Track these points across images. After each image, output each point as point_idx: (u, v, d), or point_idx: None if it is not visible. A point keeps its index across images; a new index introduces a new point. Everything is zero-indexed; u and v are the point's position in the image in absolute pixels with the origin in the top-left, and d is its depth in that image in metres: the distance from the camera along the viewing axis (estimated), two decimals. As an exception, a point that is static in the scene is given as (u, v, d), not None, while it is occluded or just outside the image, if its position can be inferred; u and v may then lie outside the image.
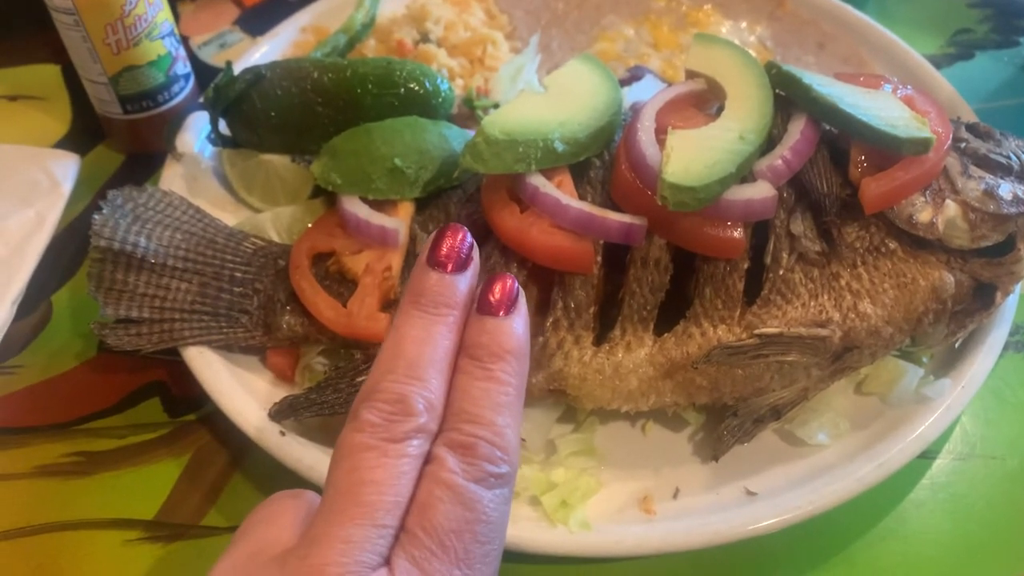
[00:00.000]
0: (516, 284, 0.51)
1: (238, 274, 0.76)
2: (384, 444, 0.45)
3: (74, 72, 0.93)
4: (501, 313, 0.50)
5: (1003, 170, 0.70)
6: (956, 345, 0.74)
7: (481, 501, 0.45)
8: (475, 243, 0.52)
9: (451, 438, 0.46)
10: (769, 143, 0.70)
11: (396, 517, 0.44)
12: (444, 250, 0.51)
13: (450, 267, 0.51)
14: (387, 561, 0.43)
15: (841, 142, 0.70)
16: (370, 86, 0.82)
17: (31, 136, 1.01)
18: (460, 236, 0.52)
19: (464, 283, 0.51)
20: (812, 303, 0.67)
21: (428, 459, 0.46)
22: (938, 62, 1.04)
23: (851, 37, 1.04)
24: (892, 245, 0.68)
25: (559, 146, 0.69)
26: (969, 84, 1.00)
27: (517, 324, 0.50)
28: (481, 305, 0.50)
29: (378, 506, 0.43)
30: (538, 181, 0.69)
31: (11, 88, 1.08)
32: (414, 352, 0.48)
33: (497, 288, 0.51)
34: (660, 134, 0.69)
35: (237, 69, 0.85)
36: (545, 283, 0.70)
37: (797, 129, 0.70)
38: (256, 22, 1.14)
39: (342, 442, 0.46)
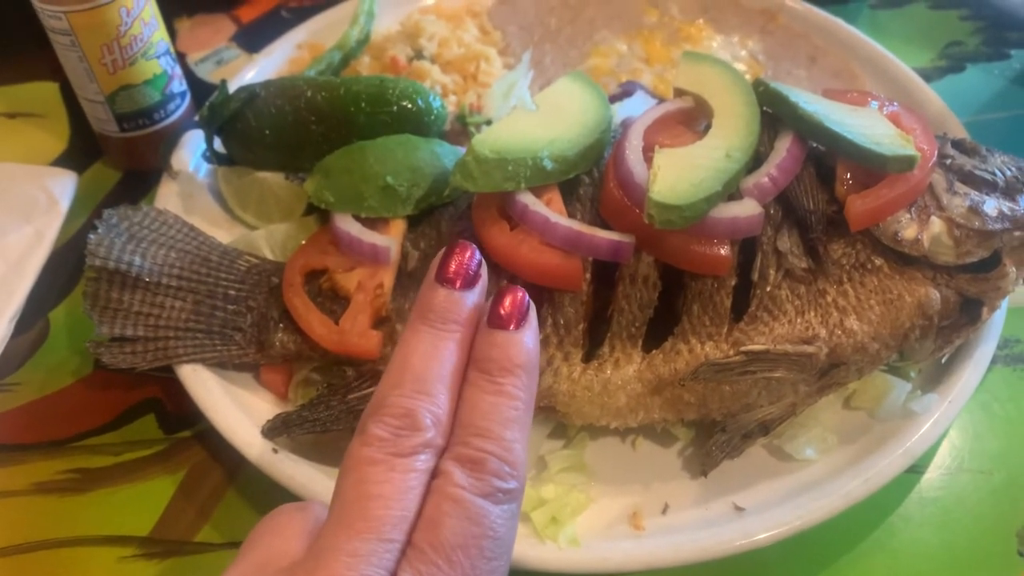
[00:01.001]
0: (527, 297, 0.51)
1: (232, 292, 0.76)
2: (391, 458, 0.45)
3: (72, 90, 0.94)
4: (511, 326, 0.50)
5: (988, 186, 0.71)
6: (943, 360, 0.75)
7: (489, 516, 0.45)
8: (483, 260, 0.53)
9: (459, 452, 0.46)
10: (756, 160, 0.70)
11: (403, 531, 0.44)
12: (453, 268, 0.51)
13: (459, 284, 0.51)
14: None
15: (827, 159, 0.71)
16: (363, 104, 0.83)
17: (30, 153, 1.02)
18: (469, 254, 0.52)
19: (472, 299, 0.51)
20: (799, 320, 0.68)
21: (436, 473, 0.46)
22: (929, 75, 1.05)
23: (842, 51, 1.04)
24: (878, 262, 0.69)
25: (548, 164, 0.70)
26: (960, 97, 1.01)
27: (527, 338, 0.50)
28: (491, 318, 0.50)
29: (385, 520, 0.43)
30: (527, 199, 0.69)
31: (10, 105, 1.09)
32: (422, 367, 0.48)
33: (508, 301, 0.51)
34: (648, 152, 0.70)
35: (232, 87, 0.86)
36: (534, 300, 0.70)
37: (783, 147, 0.70)
38: (252, 38, 1.15)
39: (350, 455, 0.46)
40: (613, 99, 0.91)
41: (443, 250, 0.52)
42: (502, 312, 0.50)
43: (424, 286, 0.52)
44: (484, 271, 0.53)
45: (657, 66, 1.03)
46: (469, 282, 0.51)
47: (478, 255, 0.52)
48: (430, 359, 0.49)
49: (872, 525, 0.71)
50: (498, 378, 0.48)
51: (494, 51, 1.04)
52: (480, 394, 0.48)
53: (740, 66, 1.03)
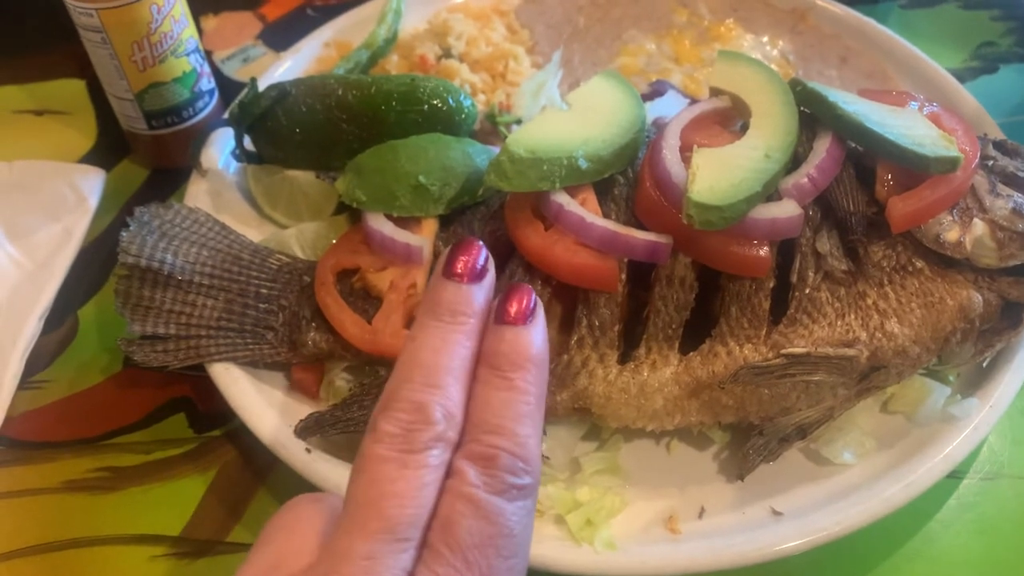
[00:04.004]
0: (533, 295, 0.51)
1: (263, 290, 0.76)
2: (404, 455, 0.45)
3: (99, 87, 0.94)
4: (520, 323, 0.50)
5: (1031, 188, 0.70)
6: (984, 364, 0.73)
7: (503, 514, 0.44)
8: (490, 255, 0.53)
9: (471, 450, 0.46)
10: (794, 161, 0.70)
11: (418, 530, 0.43)
12: (459, 267, 0.51)
13: (466, 279, 0.51)
14: None
15: (867, 160, 0.70)
16: (394, 103, 0.82)
17: (57, 151, 1.02)
18: (474, 251, 0.52)
19: (481, 293, 0.51)
20: (839, 322, 0.67)
21: (449, 472, 0.45)
22: (962, 76, 1.04)
23: (874, 51, 1.03)
24: (919, 264, 0.68)
25: (583, 164, 0.69)
26: (993, 98, 0.99)
27: (536, 333, 0.50)
28: (499, 315, 0.50)
29: (400, 519, 0.43)
30: (562, 199, 0.69)
31: (38, 103, 1.09)
32: (431, 360, 0.48)
33: (515, 299, 0.51)
34: (685, 152, 0.69)
35: (261, 85, 0.86)
36: (569, 301, 0.70)
37: (823, 147, 0.69)
38: (279, 37, 1.15)
39: (362, 453, 0.46)
40: (644, 98, 0.89)
41: (449, 247, 0.52)
42: (510, 309, 0.50)
43: (432, 282, 0.52)
44: (491, 265, 0.53)
45: (687, 65, 1.03)
46: (476, 277, 0.51)
47: (484, 251, 0.52)
48: (439, 352, 0.48)
49: (910, 531, 0.70)
50: (508, 373, 0.48)
51: (522, 50, 1.03)
52: (491, 390, 0.48)
53: (771, 67, 1.02)
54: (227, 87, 1.04)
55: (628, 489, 0.70)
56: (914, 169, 0.67)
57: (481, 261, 0.52)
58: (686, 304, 0.68)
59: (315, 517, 0.47)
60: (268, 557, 0.46)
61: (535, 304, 0.51)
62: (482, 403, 0.47)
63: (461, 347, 0.49)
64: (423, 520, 0.44)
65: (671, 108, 0.88)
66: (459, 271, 0.51)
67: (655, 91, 0.95)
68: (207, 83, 0.96)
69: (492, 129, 0.93)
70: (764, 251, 0.66)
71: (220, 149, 0.92)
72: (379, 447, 0.45)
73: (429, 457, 0.45)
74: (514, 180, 0.68)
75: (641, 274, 0.70)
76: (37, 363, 0.83)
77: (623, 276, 0.68)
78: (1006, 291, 0.69)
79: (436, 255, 0.74)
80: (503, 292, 0.51)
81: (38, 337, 0.83)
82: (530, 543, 0.46)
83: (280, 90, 0.84)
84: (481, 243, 0.53)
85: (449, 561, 0.42)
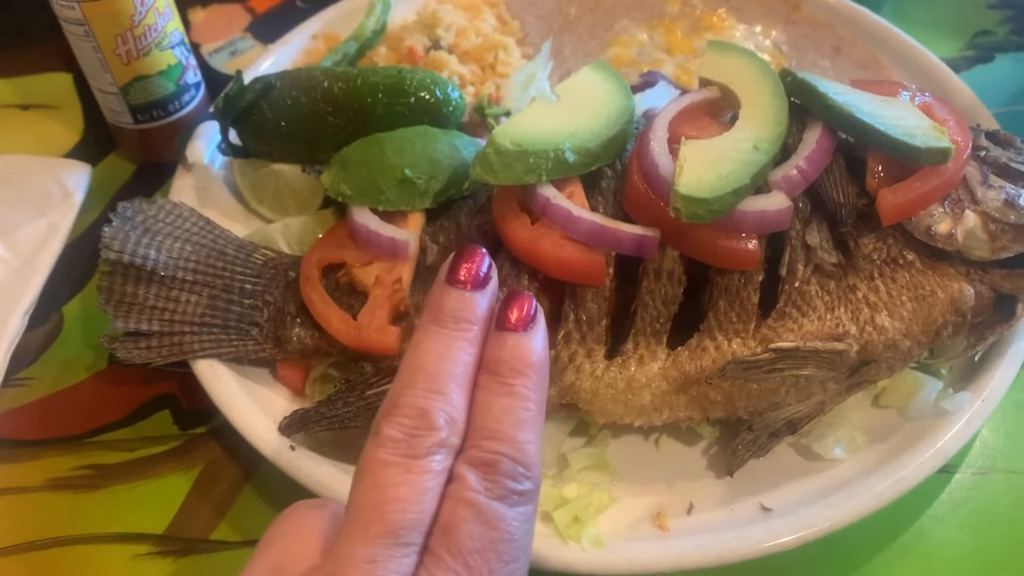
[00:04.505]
0: (535, 302, 0.52)
1: (248, 286, 0.75)
2: (406, 460, 0.45)
3: (86, 81, 0.93)
4: (520, 330, 0.51)
5: (1024, 179, 0.69)
6: (976, 358, 0.73)
7: (504, 519, 0.45)
8: (493, 263, 0.53)
9: (472, 455, 0.46)
10: (784, 152, 0.69)
11: (420, 534, 0.44)
12: (462, 274, 0.52)
13: (469, 287, 0.52)
14: None
15: (858, 151, 0.69)
16: (380, 95, 0.81)
17: (43, 145, 1.01)
18: (478, 259, 0.53)
19: (483, 300, 0.52)
20: (828, 316, 0.66)
21: (450, 477, 0.46)
22: (957, 65, 1.02)
23: (868, 41, 1.02)
24: (910, 256, 0.67)
25: (570, 156, 0.69)
26: (989, 88, 0.98)
27: (536, 340, 0.51)
28: (500, 322, 0.51)
29: (402, 524, 0.43)
30: (549, 192, 0.68)
31: (24, 97, 1.08)
32: (434, 367, 0.49)
33: (516, 306, 0.52)
34: (673, 143, 0.68)
35: (247, 78, 0.85)
36: (556, 295, 0.69)
37: (813, 138, 0.68)
38: (267, 29, 1.14)
39: (364, 458, 0.46)
40: (635, 89, 0.89)
41: (453, 254, 0.53)
42: (511, 316, 0.51)
43: (434, 288, 0.53)
44: (494, 273, 0.53)
45: (679, 56, 1.02)
46: (479, 284, 0.52)
47: (488, 259, 0.53)
48: (442, 359, 0.49)
49: (902, 527, 0.69)
50: (509, 379, 0.49)
51: (512, 41, 1.02)
52: (491, 396, 0.48)
53: (764, 57, 1.00)
54: (215, 80, 1.04)
55: (616, 485, 0.69)
56: (905, 160, 0.67)
57: (484, 268, 0.53)
58: (674, 298, 0.68)
59: (316, 522, 0.48)
60: (270, 560, 0.46)
61: (536, 311, 0.52)
62: (483, 409, 0.48)
63: (464, 353, 0.50)
64: (425, 525, 0.44)
65: (662, 99, 0.87)
66: (462, 278, 0.52)
67: (646, 82, 0.94)
68: (193, 76, 0.95)
69: (481, 121, 0.92)
70: (753, 244, 0.65)
71: (206, 143, 0.91)
72: (382, 451, 0.46)
73: (431, 462, 0.45)
74: (500, 173, 0.68)
75: (629, 268, 0.69)
76: (21, 360, 0.82)
77: (610, 270, 0.68)
78: (998, 284, 0.68)
79: (422, 250, 0.73)
80: (504, 299, 0.52)
81: (22, 334, 0.82)
82: (531, 548, 0.47)
83: (265, 83, 0.83)
84: (484, 250, 0.53)
85: (450, 566, 0.43)
